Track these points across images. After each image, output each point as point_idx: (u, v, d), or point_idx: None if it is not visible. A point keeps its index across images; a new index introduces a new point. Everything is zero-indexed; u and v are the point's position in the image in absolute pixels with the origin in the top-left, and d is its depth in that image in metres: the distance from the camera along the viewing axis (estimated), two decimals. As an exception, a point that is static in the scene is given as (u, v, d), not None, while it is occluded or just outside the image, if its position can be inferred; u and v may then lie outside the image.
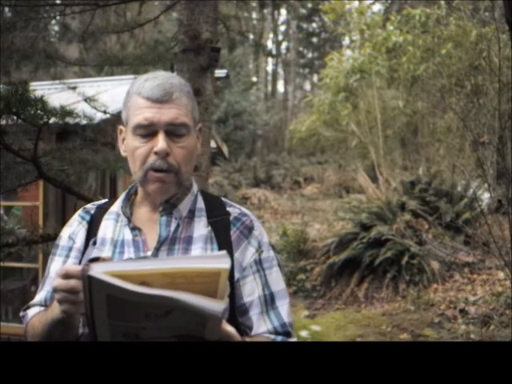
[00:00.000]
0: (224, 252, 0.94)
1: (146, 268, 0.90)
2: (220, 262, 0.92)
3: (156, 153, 1.18)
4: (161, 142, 1.17)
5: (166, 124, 1.18)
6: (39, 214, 4.65)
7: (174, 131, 1.19)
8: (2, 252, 2.89)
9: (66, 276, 0.99)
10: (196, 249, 1.20)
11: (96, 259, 1.02)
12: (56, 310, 1.07)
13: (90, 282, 0.87)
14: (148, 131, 1.18)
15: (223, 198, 1.33)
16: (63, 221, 4.62)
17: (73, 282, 0.98)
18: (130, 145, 1.22)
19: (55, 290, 1.01)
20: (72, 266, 1.09)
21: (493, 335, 4.71)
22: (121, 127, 1.27)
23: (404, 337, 5.06)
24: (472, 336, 4.83)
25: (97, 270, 0.87)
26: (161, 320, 0.89)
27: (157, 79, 1.20)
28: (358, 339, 5.07)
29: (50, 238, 2.89)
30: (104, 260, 1.02)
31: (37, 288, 1.32)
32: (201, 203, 1.28)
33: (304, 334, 5.23)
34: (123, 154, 1.27)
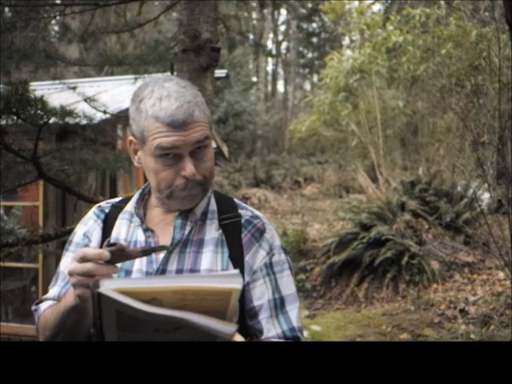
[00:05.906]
0: (236, 272, 0.94)
1: (157, 286, 0.90)
2: (232, 281, 0.91)
3: (185, 177, 1.14)
4: (189, 167, 1.12)
5: (192, 145, 1.13)
6: (39, 214, 4.64)
7: (198, 148, 1.15)
8: (2, 252, 2.89)
9: (83, 259, 0.99)
10: (207, 252, 1.19)
11: (113, 245, 1.02)
12: (70, 297, 1.06)
13: (100, 299, 0.87)
14: (172, 154, 1.13)
15: (236, 200, 1.31)
16: (63, 221, 4.62)
17: (89, 266, 0.98)
18: (150, 165, 1.16)
19: (71, 274, 1.01)
20: (89, 248, 1.08)
21: (493, 335, 4.71)
22: (131, 138, 1.20)
23: (404, 337, 5.05)
24: (472, 336, 4.83)
25: (107, 287, 0.87)
26: (170, 334, 0.89)
27: (171, 98, 1.11)
28: (358, 339, 5.07)
29: (50, 238, 2.89)
30: (121, 246, 1.01)
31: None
32: (213, 205, 1.26)
33: (304, 333, 5.21)
34: (137, 164, 1.23)
